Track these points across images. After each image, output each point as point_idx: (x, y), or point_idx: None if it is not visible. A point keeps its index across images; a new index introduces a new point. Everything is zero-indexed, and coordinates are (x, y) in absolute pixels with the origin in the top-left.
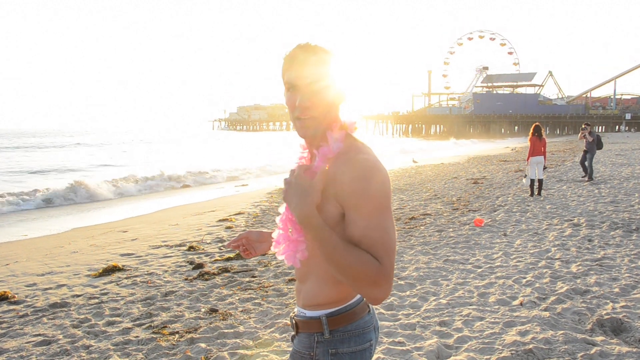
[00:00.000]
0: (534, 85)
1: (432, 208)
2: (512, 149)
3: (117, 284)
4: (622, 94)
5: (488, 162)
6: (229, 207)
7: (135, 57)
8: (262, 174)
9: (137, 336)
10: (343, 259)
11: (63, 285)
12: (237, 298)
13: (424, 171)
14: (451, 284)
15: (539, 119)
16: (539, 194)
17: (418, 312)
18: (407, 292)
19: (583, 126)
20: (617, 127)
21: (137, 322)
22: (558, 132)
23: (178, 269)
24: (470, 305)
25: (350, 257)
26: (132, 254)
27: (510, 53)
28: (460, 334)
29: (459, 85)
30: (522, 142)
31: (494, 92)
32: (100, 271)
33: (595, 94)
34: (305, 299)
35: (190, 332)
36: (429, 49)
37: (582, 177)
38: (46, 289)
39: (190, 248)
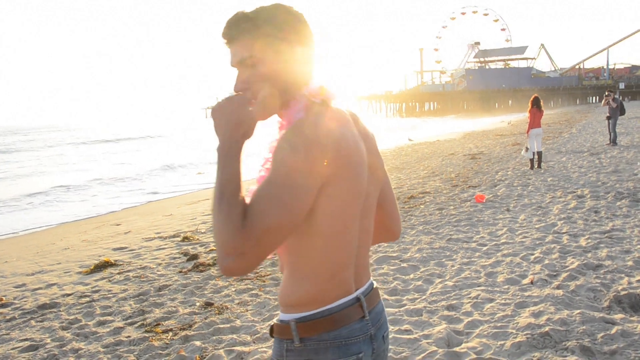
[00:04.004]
0: (527, 59)
1: (431, 186)
2: (508, 123)
3: (109, 280)
4: (615, 64)
5: (484, 137)
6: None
7: (123, 43)
8: None
9: (128, 336)
10: (215, 203)
11: (53, 284)
12: (233, 290)
13: (420, 149)
14: (456, 265)
15: (532, 92)
16: (539, 166)
17: (424, 297)
18: (411, 275)
19: (607, 92)
20: None
21: (129, 320)
22: (552, 105)
23: (172, 261)
24: (479, 286)
25: (221, 204)
26: (125, 247)
27: (503, 29)
28: (470, 318)
29: (451, 62)
30: (516, 117)
31: (487, 67)
32: (92, 267)
33: (588, 64)
34: (279, 297)
35: (184, 329)
36: (421, 27)
37: (607, 144)
38: (35, 289)
39: (185, 239)
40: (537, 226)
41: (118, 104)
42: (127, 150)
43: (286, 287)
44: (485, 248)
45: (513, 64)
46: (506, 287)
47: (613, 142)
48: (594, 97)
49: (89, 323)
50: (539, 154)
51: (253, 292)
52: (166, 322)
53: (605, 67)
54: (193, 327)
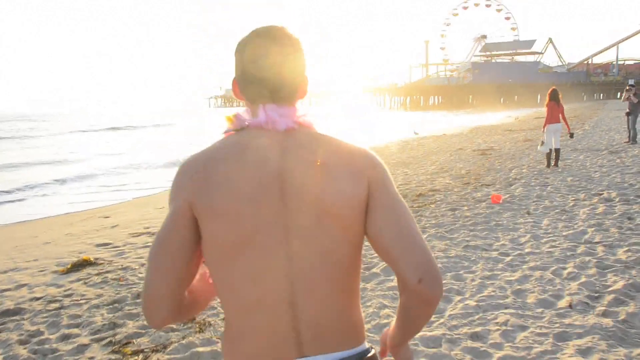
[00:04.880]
0: (534, 53)
1: (441, 183)
2: (515, 118)
3: (85, 283)
4: (624, 60)
5: (492, 132)
6: None
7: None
8: None
9: (92, 357)
10: None
11: (24, 285)
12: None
13: (426, 143)
14: (477, 279)
15: (539, 87)
16: (556, 164)
17: (442, 320)
18: None
19: (627, 87)
20: (618, 93)
21: (98, 335)
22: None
23: None
24: (506, 307)
25: None
26: (109, 244)
27: (507, 18)
28: (500, 353)
29: (457, 56)
30: (522, 112)
31: (493, 60)
32: (69, 267)
33: (597, 60)
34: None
35: (157, 351)
36: (426, 18)
37: (625, 142)
38: (3, 290)
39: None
40: (564, 233)
41: (124, 92)
42: (130, 139)
43: None
44: (508, 259)
45: (520, 58)
46: (539, 310)
47: (633, 139)
48: (601, 94)
49: (51, 337)
50: (557, 151)
51: None
52: (138, 339)
53: (614, 62)
54: (168, 348)
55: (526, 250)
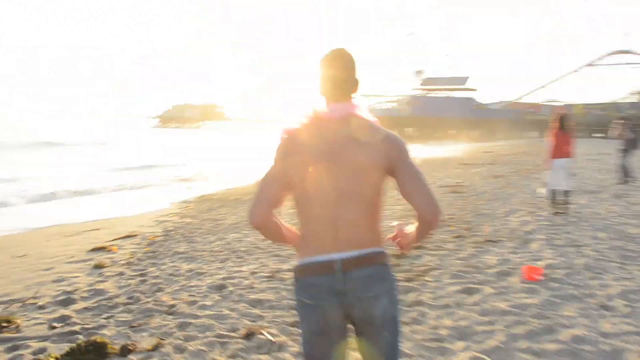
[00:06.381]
0: (468, 90)
1: None
2: (462, 152)
3: None
4: (553, 101)
5: (448, 166)
6: (120, 224)
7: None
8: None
9: None
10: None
11: None
12: None
13: None
14: None
15: (473, 123)
16: (564, 211)
17: None
18: None
19: (620, 122)
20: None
21: None
22: (496, 135)
23: None
24: None
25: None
26: None
27: (446, 55)
28: None
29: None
30: (461, 145)
31: (430, 95)
32: None
33: (529, 100)
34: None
35: None
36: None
37: (619, 182)
38: None
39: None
40: None
41: (58, 106)
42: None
43: None
44: None
45: (455, 94)
46: None
47: (627, 176)
48: (534, 131)
49: None
50: (565, 194)
51: None
52: None
53: (544, 103)
54: None
55: None
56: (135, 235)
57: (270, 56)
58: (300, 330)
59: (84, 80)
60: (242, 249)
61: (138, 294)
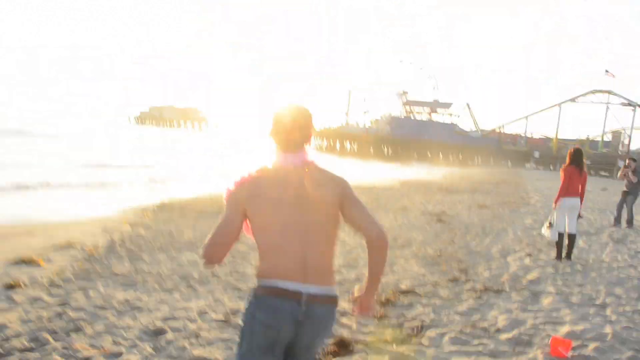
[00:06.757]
0: (451, 115)
1: (408, 273)
2: (441, 177)
3: None
4: (532, 133)
5: (429, 191)
6: (61, 229)
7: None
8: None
9: None
10: None
11: None
12: None
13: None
14: None
15: (453, 148)
16: (569, 256)
17: None
18: None
19: (627, 162)
20: (525, 163)
21: None
22: (474, 162)
23: None
24: None
25: None
26: None
27: (429, 78)
28: None
29: (378, 108)
30: (440, 169)
31: (412, 116)
32: None
33: (508, 130)
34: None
35: None
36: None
37: (613, 225)
38: None
39: None
40: None
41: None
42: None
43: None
44: None
45: (437, 117)
46: None
47: (629, 223)
48: (509, 161)
49: None
50: (571, 237)
51: None
52: None
53: (522, 134)
54: None
55: None
56: (72, 246)
57: (270, 56)
58: (241, 344)
59: (84, 80)
60: (195, 275)
61: (46, 335)
